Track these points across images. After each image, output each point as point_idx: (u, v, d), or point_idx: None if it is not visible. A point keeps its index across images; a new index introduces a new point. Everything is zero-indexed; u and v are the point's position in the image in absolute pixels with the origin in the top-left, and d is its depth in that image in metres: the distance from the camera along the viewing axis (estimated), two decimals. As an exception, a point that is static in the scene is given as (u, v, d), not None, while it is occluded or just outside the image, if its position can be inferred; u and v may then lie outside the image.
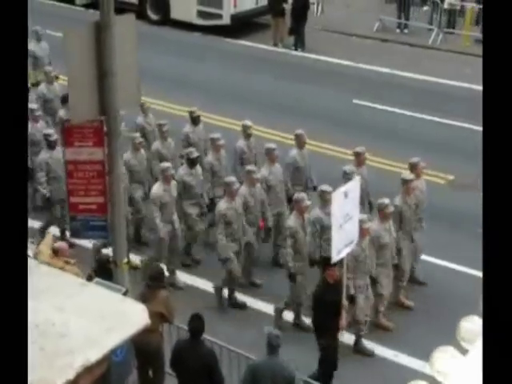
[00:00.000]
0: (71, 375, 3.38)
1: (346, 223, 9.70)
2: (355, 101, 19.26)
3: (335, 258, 9.62)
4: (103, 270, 8.89)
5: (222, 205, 11.50)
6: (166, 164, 12.15)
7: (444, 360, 5.21)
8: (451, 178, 15.29)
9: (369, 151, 15.78)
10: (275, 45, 23.56)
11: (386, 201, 11.06)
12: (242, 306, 11.82)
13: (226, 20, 23.89)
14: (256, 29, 24.78)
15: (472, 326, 5.43)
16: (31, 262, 4.22)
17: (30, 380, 3.31)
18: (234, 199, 11.50)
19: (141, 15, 22.17)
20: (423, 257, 12.37)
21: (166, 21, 24.71)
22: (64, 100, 14.26)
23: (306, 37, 23.10)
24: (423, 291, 12.13)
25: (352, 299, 10.54)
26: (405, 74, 21.27)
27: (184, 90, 19.16)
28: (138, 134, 13.41)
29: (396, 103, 18.91)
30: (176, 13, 24.51)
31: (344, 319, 10.02)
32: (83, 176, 7.99)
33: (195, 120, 14.01)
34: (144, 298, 8.85)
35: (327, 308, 9.70)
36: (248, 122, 13.65)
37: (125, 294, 7.03)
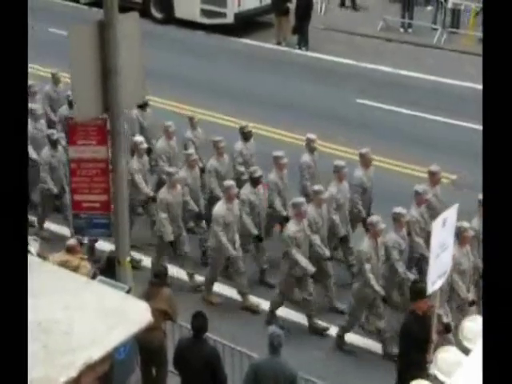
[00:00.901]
0: (74, 373, 3.38)
1: (442, 253, 9.34)
2: (359, 100, 19.25)
3: (430, 289, 9.09)
4: (111, 268, 8.86)
5: (292, 227, 11.06)
6: (230, 182, 11.89)
7: (447, 359, 5.22)
8: (454, 177, 15.28)
9: (372, 151, 15.82)
10: (278, 44, 23.55)
11: (466, 224, 10.65)
12: (324, 330, 11.38)
13: (229, 19, 23.89)
14: (259, 28, 24.77)
15: (475, 326, 5.43)
16: (35, 260, 4.23)
17: (33, 378, 3.31)
18: (303, 221, 11.09)
19: (145, 14, 22.21)
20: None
21: (170, 19, 24.72)
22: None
23: (309, 36, 23.08)
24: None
25: (447, 327, 10.28)
26: (409, 73, 21.25)
27: (187, 89, 19.17)
28: (192, 151, 13.04)
29: (400, 103, 18.89)
30: (180, 11, 24.51)
31: (431, 353, 9.69)
32: (87, 174, 7.99)
33: (247, 136, 13.60)
34: (147, 296, 8.87)
35: (415, 342, 9.27)
36: (312, 136, 13.14)
37: (128, 292, 7.03)
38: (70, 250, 10.09)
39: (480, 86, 18.73)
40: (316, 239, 11.43)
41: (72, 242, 10.36)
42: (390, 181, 13.22)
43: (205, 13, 24.12)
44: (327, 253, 11.53)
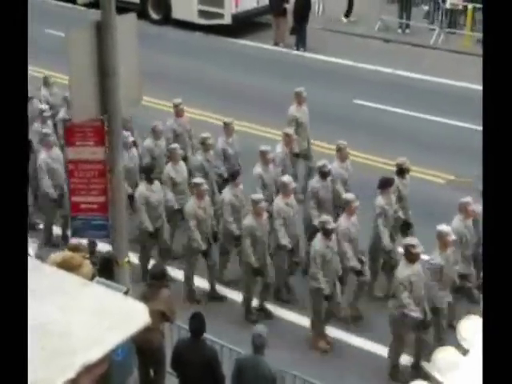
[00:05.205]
0: (72, 374, 3.37)
1: None
2: (356, 101, 19.26)
3: None
4: (107, 269, 8.85)
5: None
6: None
7: (445, 359, 5.22)
8: (451, 178, 15.29)
9: (370, 151, 15.84)
10: (276, 44, 23.57)
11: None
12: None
13: (227, 19, 23.92)
14: (257, 28, 24.79)
15: (472, 326, 5.44)
16: (33, 262, 4.22)
17: (31, 380, 3.30)
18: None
19: (142, 15, 22.23)
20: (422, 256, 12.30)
21: (168, 20, 24.75)
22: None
23: (307, 36, 23.11)
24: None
25: None
26: (406, 73, 21.27)
27: (185, 90, 19.14)
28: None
29: (397, 103, 18.91)
30: (177, 12, 24.54)
31: None
32: (84, 175, 7.98)
33: (325, 174, 12.54)
34: (145, 297, 8.87)
35: None
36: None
37: (126, 293, 7.03)
38: (73, 249, 10.04)
39: (478, 87, 18.81)
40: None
41: (75, 241, 10.34)
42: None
43: (202, 14, 24.15)
44: None
